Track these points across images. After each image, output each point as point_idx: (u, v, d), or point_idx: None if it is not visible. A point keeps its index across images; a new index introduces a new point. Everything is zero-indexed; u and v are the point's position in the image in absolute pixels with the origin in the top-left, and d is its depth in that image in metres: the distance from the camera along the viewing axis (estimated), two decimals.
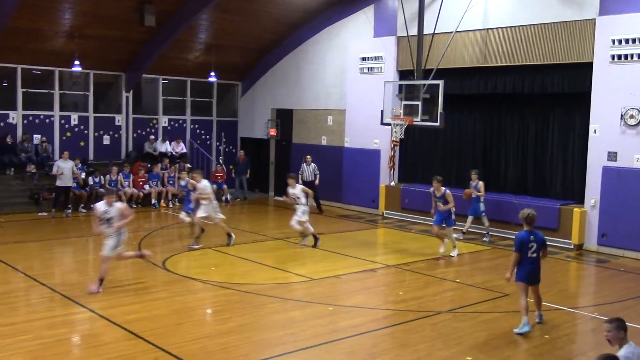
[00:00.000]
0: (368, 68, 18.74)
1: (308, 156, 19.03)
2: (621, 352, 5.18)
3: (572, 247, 14.26)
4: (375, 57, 18.52)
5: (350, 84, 19.31)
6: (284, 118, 21.91)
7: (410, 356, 7.54)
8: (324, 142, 20.52)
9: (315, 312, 9.22)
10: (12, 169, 18.26)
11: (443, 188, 13.17)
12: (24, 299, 9.87)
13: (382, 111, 16.08)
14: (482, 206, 14.79)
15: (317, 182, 18.63)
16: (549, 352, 7.88)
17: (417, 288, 10.85)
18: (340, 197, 19.82)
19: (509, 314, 9.23)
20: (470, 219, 14.94)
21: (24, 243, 13.68)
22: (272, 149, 22.60)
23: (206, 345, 7.69)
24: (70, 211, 17.45)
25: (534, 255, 8.49)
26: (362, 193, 19.11)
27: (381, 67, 18.36)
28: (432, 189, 13.36)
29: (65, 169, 17.01)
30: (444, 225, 13.22)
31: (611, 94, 13.86)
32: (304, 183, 17.39)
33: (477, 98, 17.00)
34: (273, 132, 22.04)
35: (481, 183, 14.67)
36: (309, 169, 18.84)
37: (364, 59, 18.85)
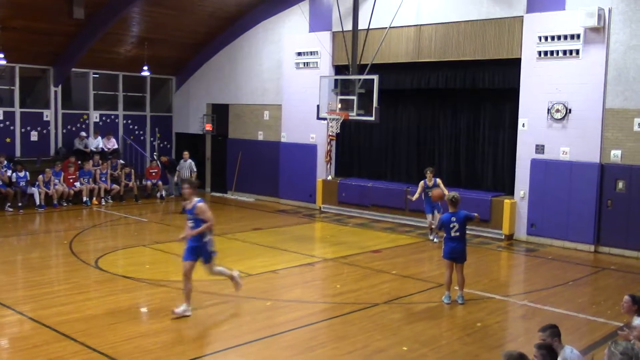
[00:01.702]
0: (304, 63, 18.75)
1: (185, 152, 18.47)
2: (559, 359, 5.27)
3: (502, 237, 14.70)
4: (311, 52, 18.55)
5: (287, 79, 19.28)
6: (220, 113, 21.67)
7: (348, 348, 7.61)
8: (260, 137, 20.43)
9: (253, 307, 9.18)
10: None
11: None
12: None
13: (318, 106, 16.12)
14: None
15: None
16: (482, 339, 8.11)
17: (355, 281, 10.95)
18: (278, 192, 19.78)
19: (444, 304, 9.44)
20: (429, 217, 14.35)
21: None
22: (208, 144, 22.33)
23: (141, 344, 7.54)
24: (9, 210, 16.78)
25: (457, 234, 9.47)
26: (299, 188, 19.13)
27: (317, 62, 18.40)
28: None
29: None
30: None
31: (538, 89, 14.35)
32: (182, 180, 17.05)
33: (411, 93, 17.28)
34: (209, 127, 21.77)
35: (439, 180, 14.33)
36: (185, 165, 18.16)
37: (299, 53, 18.85)
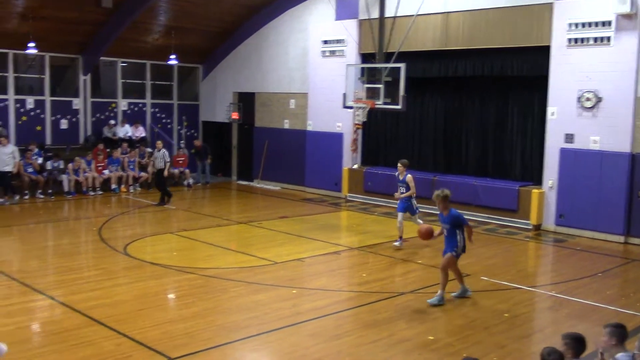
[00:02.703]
0: (330, 51, 18.69)
1: (159, 142, 17.69)
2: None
3: (530, 227, 14.54)
4: (337, 40, 18.47)
5: (313, 67, 19.24)
6: (246, 101, 21.74)
7: (373, 336, 7.62)
8: (286, 126, 20.45)
9: (279, 295, 9.23)
10: None
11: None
12: None
13: (344, 94, 16.08)
14: (414, 203, 12.73)
15: (166, 171, 17.05)
16: (509, 329, 8.06)
17: (380, 270, 10.95)
18: (303, 180, 19.81)
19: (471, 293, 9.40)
20: (400, 216, 12.65)
21: None
22: (234, 132, 22.43)
23: (169, 330, 7.64)
24: (20, 197, 17.07)
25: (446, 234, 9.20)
26: (325, 176, 19.13)
27: (343, 50, 18.33)
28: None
29: (2, 155, 16.44)
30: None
31: (568, 77, 14.11)
32: (158, 171, 16.97)
33: (438, 81, 17.13)
34: (235, 115, 21.86)
35: (410, 176, 12.61)
36: (159, 155, 17.21)
37: (326, 42, 18.79)
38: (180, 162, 20.69)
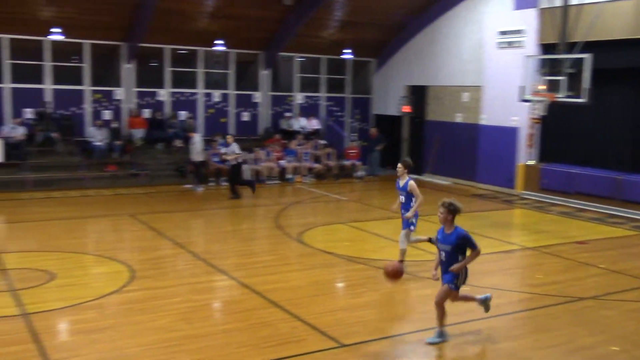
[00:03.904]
0: (507, 42, 18.01)
1: (229, 135, 17.61)
2: None
3: None
4: (515, 31, 17.74)
5: (488, 59, 18.67)
6: (418, 95, 21.64)
7: (549, 341, 7.28)
8: (458, 119, 20.07)
9: None
10: (161, 144, 19.52)
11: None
12: (171, 264, 10.57)
13: (521, 87, 15.43)
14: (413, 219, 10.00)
15: (230, 157, 16.75)
16: None
17: (557, 272, 10.41)
18: (475, 175, 19.35)
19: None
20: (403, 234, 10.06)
21: (171, 213, 14.62)
22: (405, 126, 22.45)
23: (342, 318, 7.87)
24: (212, 184, 18.41)
25: (444, 259, 7.13)
26: (497, 172, 18.52)
27: (521, 41, 17.56)
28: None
29: (195, 144, 17.80)
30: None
31: None
32: (232, 166, 16.75)
33: (628, 72, 15.82)
34: (407, 108, 21.85)
35: (412, 183, 9.84)
36: (229, 149, 16.97)
37: (503, 32, 18.13)
38: (352, 154, 21.15)
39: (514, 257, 11.54)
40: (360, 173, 20.90)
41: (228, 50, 20.54)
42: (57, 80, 18.67)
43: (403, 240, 9.90)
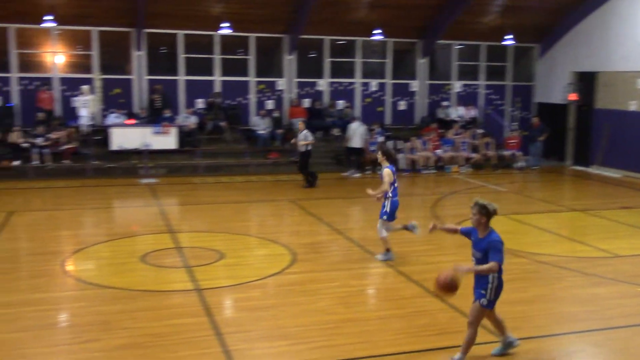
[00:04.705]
0: None
1: (301, 122, 17.02)
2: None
3: None
4: None
5: None
6: (586, 81, 20.31)
7: None
8: (632, 108, 18.59)
9: (620, 291, 8.53)
10: (320, 132, 20.06)
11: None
12: (330, 250, 10.86)
13: None
14: (387, 204, 9.70)
15: (299, 143, 16.42)
16: None
17: None
18: None
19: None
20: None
21: (329, 199, 15.02)
22: (571, 114, 21.19)
23: (502, 312, 7.55)
24: (368, 172, 18.63)
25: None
26: None
27: None
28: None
29: (353, 132, 18.06)
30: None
31: None
32: (302, 153, 16.23)
33: None
34: (573, 96, 20.60)
35: (387, 170, 9.51)
36: (301, 137, 16.49)
37: None
38: (512, 144, 20.38)
39: None
40: (520, 164, 20.08)
41: (386, 39, 20.59)
42: (225, 72, 19.83)
43: (380, 230, 9.79)
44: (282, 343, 6.71)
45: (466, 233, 6.35)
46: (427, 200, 14.89)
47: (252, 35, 19.77)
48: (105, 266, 9.72)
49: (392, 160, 9.74)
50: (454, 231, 6.69)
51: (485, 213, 6.13)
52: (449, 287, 6.09)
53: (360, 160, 18.53)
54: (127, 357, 6.28)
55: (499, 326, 6.38)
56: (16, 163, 16.88)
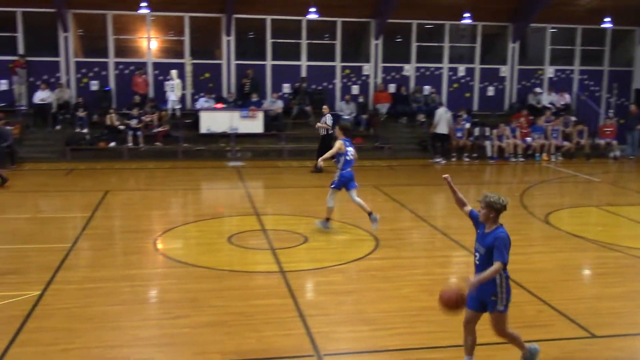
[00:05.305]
0: None
1: (325, 106, 16.62)
2: None
3: None
4: None
5: None
6: None
7: None
8: None
9: None
10: (405, 118, 19.88)
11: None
12: (413, 236, 10.77)
13: None
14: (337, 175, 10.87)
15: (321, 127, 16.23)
16: None
17: None
18: None
19: None
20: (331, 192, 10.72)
21: (412, 186, 14.87)
22: None
23: (593, 307, 7.35)
24: (453, 159, 18.30)
25: (478, 263, 5.63)
26: None
27: None
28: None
29: (440, 118, 17.76)
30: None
31: None
32: (322, 137, 16.02)
33: None
34: None
35: (339, 142, 10.73)
36: (323, 121, 16.27)
37: None
38: (608, 132, 19.47)
39: None
40: (616, 153, 19.16)
41: (475, 23, 20.06)
42: (311, 57, 19.94)
43: (328, 199, 10.53)
44: (363, 328, 6.72)
45: (474, 219, 5.89)
46: (515, 189, 14.47)
47: (339, 20, 19.75)
48: (194, 245, 10.04)
49: (348, 135, 10.62)
50: (460, 203, 6.20)
51: (495, 208, 5.58)
52: (455, 304, 5.49)
53: (446, 147, 18.23)
54: (214, 334, 6.47)
55: (517, 342, 5.84)
56: (112, 144, 17.69)
